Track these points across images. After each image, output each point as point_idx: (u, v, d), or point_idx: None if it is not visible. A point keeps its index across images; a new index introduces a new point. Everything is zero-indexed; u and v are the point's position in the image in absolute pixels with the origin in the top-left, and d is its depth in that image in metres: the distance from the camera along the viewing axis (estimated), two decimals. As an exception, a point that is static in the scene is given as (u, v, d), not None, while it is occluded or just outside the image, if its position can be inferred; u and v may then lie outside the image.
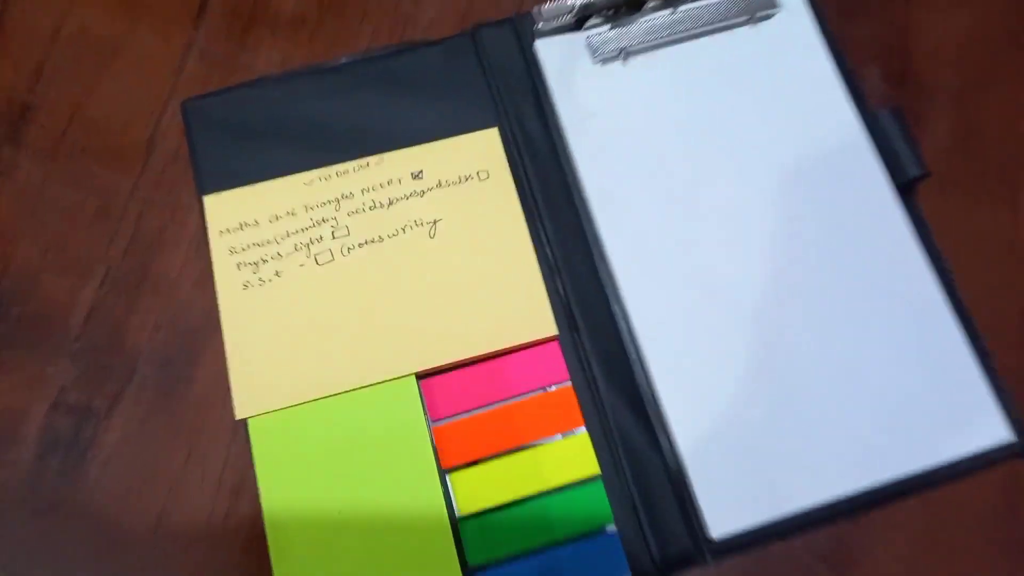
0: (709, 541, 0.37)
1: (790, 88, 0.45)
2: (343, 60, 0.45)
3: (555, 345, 0.41)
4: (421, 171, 0.43)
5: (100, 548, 0.38)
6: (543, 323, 0.40)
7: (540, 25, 0.44)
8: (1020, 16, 0.49)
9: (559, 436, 0.40)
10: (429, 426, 0.39)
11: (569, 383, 0.40)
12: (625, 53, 0.45)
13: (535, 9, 0.44)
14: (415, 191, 0.42)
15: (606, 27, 0.45)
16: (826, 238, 0.42)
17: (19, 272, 0.42)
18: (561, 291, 0.41)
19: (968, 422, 0.40)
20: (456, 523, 0.38)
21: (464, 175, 0.43)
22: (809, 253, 0.42)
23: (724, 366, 0.40)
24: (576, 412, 0.40)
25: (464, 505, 0.38)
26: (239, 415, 0.39)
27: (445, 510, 0.37)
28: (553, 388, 0.40)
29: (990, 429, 0.40)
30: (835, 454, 0.39)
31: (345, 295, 0.40)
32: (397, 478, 0.38)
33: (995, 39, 0.48)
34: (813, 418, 0.39)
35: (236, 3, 0.47)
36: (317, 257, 0.41)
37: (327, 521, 0.37)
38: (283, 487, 0.38)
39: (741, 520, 0.37)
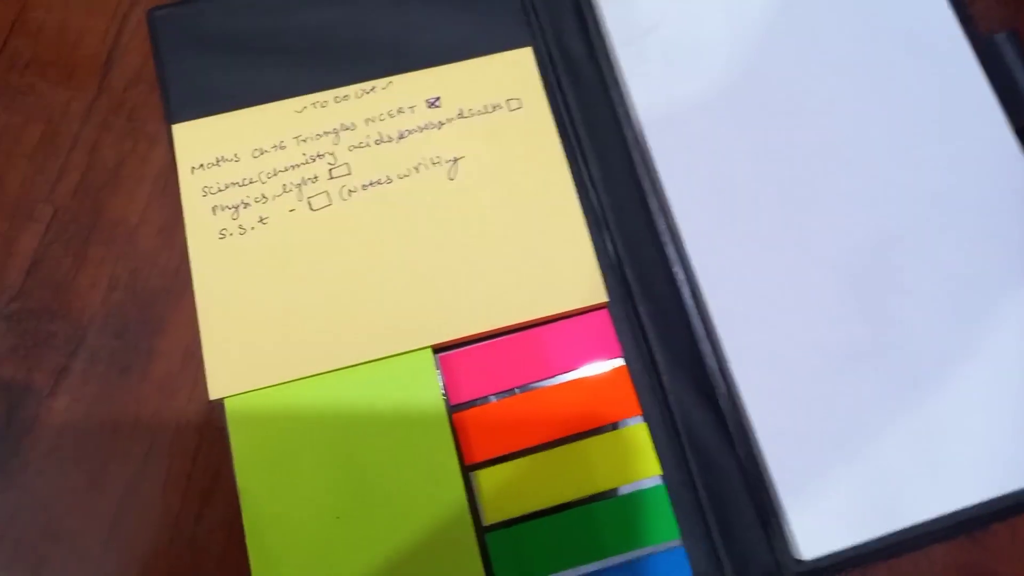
0: (799, 562, 0.32)
1: (888, 6, 0.40)
2: (346, -38, 0.41)
3: (604, 314, 0.37)
4: (439, 98, 0.40)
5: (35, 566, 0.34)
6: (589, 287, 0.37)
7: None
8: None
9: (609, 427, 0.36)
10: (449, 412, 0.35)
11: (622, 361, 0.36)
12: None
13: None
14: (431, 122, 0.39)
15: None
16: (937, 193, 0.37)
17: (-56, 214, 0.38)
18: (611, 248, 0.37)
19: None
20: (483, 534, 0.34)
21: (491, 104, 0.39)
22: (916, 212, 0.37)
23: (817, 349, 0.35)
24: (631, 398, 0.36)
25: (492, 512, 0.34)
26: (213, 395, 0.35)
27: (468, 517, 0.34)
28: (602, 367, 0.36)
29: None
30: (955, 458, 0.34)
31: (345, 248, 0.37)
32: (409, 476, 0.34)
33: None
34: (927, 413, 0.34)
35: None
36: (311, 201, 0.38)
37: (321, 528, 0.33)
38: (267, 485, 0.34)
39: (837, 539, 0.33)
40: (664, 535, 0.34)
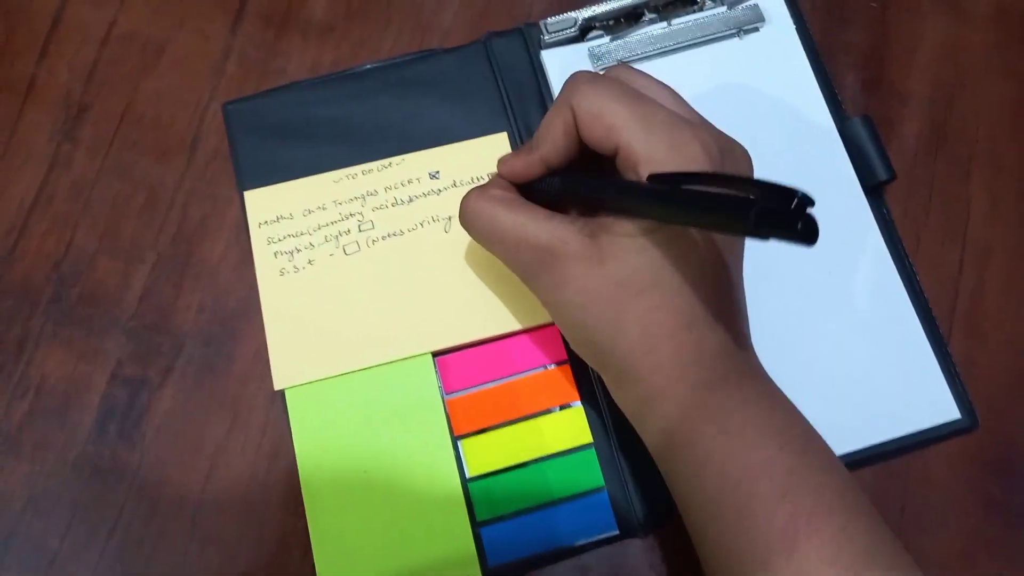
0: None
1: (775, 96, 0.49)
2: (368, 66, 0.49)
3: (555, 330, 0.44)
4: (438, 171, 0.46)
5: (153, 505, 0.43)
6: (544, 311, 0.43)
7: (546, 36, 0.49)
8: (992, 27, 0.53)
9: (557, 409, 0.44)
10: (443, 398, 0.43)
11: (567, 362, 0.44)
12: (623, 63, 0.49)
13: (542, 21, 0.49)
14: (432, 189, 0.46)
15: (606, 39, 0.49)
16: None
17: (77, 256, 0.47)
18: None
19: (922, 401, 0.44)
20: (466, 483, 0.42)
21: (476, 176, 0.47)
22: (787, 248, 0.46)
23: None
24: (572, 388, 0.44)
25: (473, 468, 0.42)
26: (277, 386, 0.43)
27: (457, 472, 0.42)
28: (552, 367, 0.44)
29: (941, 408, 0.44)
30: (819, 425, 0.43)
31: (370, 282, 0.44)
32: (415, 443, 0.42)
33: (966, 50, 0.52)
34: (804, 391, 0.43)
35: (269, 11, 0.51)
36: (345, 248, 0.45)
37: (354, 480, 0.42)
38: (316, 450, 0.42)
39: None
40: (593, 483, 0.42)
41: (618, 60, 0.49)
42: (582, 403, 0.44)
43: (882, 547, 0.32)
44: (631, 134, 0.34)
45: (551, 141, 0.37)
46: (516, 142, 0.48)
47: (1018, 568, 0.44)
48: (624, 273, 0.34)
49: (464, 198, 0.39)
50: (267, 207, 0.46)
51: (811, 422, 0.42)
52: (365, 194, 0.46)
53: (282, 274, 0.45)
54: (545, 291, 0.37)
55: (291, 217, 0.46)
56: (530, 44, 0.50)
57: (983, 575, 0.44)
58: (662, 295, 0.34)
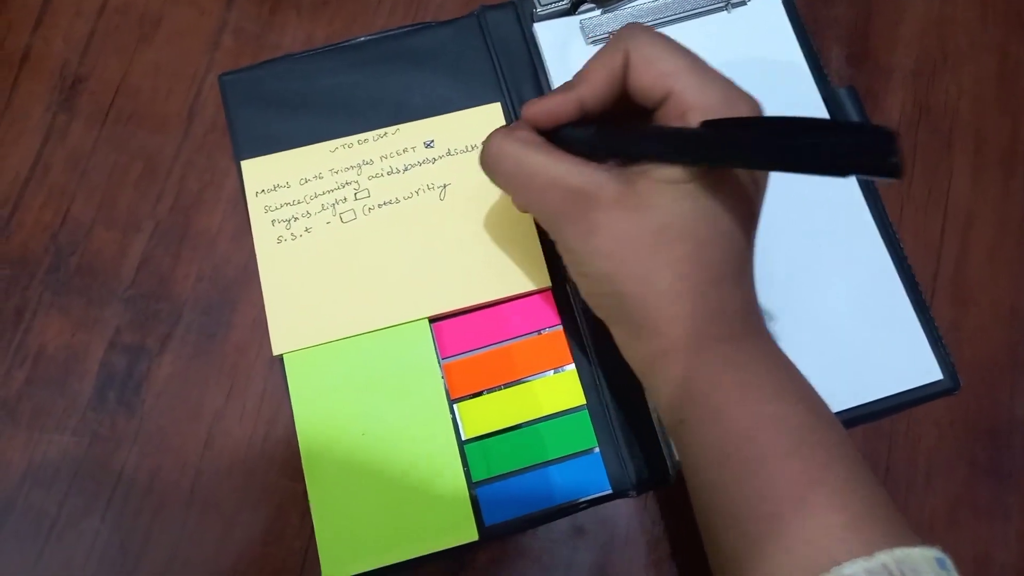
0: (677, 463, 0.42)
1: (761, 69, 0.50)
2: (361, 38, 0.50)
3: (548, 295, 0.45)
4: (432, 140, 0.47)
5: (152, 472, 0.44)
6: (539, 276, 0.45)
7: (539, 9, 0.49)
8: (975, 2, 0.54)
9: (551, 372, 0.45)
10: (439, 362, 0.44)
11: (560, 327, 0.45)
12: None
13: (535, -6, 0.49)
14: (427, 158, 0.47)
15: (597, 12, 0.50)
16: (789, 202, 0.46)
17: (74, 226, 0.47)
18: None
19: (906, 363, 0.45)
20: (462, 445, 0.43)
21: (471, 144, 0.47)
22: (774, 216, 0.46)
23: None
24: (566, 352, 0.45)
25: (469, 430, 0.43)
26: (276, 351, 0.44)
27: (453, 434, 0.43)
28: (546, 331, 0.45)
29: (924, 370, 0.45)
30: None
31: (367, 249, 0.45)
32: (412, 406, 0.43)
33: (949, 24, 0.54)
34: (799, 354, 0.44)
35: (264, -16, 0.51)
36: (342, 216, 0.46)
37: (352, 444, 0.43)
38: (314, 414, 0.43)
39: None
40: (586, 444, 0.43)
41: (608, 33, 0.49)
42: (575, 366, 0.45)
43: (881, 500, 0.33)
44: (687, 81, 0.34)
45: (592, 82, 0.36)
46: (509, 112, 0.49)
47: (1001, 528, 0.45)
48: (662, 220, 0.34)
49: (488, 139, 0.38)
50: (264, 176, 0.46)
51: None
52: (361, 163, 0.47)
53: (280, 242, 0.45)
54: (573, 238, 0.35)
55: (288, 186, 0.46)
56: (523, 17, 0.50)
57: (967, 535, 0.45)
58: (697, 245, 0.34)
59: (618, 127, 0.37)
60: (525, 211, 0.40)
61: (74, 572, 0.42)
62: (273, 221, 0.46)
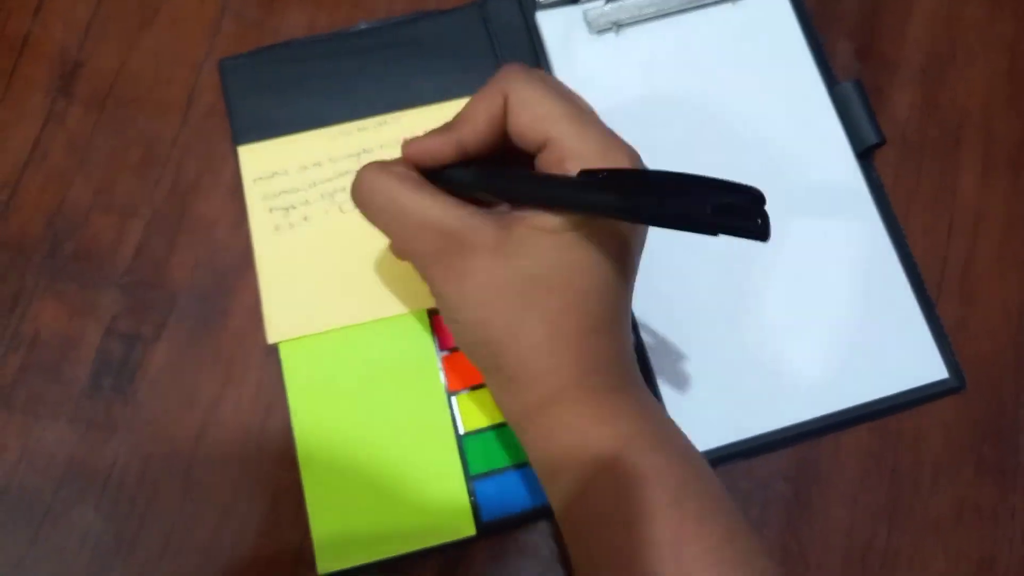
0: None
1: (767, 61, 0.50)
2: (363, 25, 0.49)
3: None
4: None
5: (147, 460, 0.43)
6: None
7: (542, -2, 0.49)
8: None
9: None
10: (438, 355, 0.44)
11: None
12: (618, 26, 0.49)
13: (538, -16, 0.49)
14: None
15: (601, 2, 0.50)
16: (795, 197, 0.47)
17: (71, 211, 0.47)
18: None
19: (911, 361, 0.45)
20: (460, 438, 0.43)
21: None
22: (780, 210, 0.45)
23: (699, 310, 0.45)
24: None
25: (467, 423, 0.43)
26: (271, 340, 0.43)
27: (451, 427, 0.43)
28: None
29: (930, 368, 0.45)
30: (795, 386, 0.44)
31: (365, 238, 0.44)
32: (410, 398, 0.43)
33: (958, 20, 0.53)
34: (776, 355, 0.45)
35: (265, -30, 0.51)
36: (340, 205, 0.45)
37: (348, 434, 0.42)
38: (310, 405, 0.43)
39: (710, 440, 0.43)
40: None
41: (612, 23, 0.49)
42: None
43: (757, 549, 0.32)
44: (564, 128, 0.33)
45: (472, 124, 0.35)
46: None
47: (1007, 528, 0.44)
48: (537, 269, 0.33)
49: (360, 171, 0.36)
50: (262, 163, 0.46)
51: (804, 380, 0.44)
52: (360, 151, 0.46)
53: (277, 230, 0.45)
54: (445, 283, 0.34)
55: (286, 173, 0.46)
56: (525, 6, 0.50)
57: (973, 535, 0.44)
58: (573, 297, 0.33)
59: (498, 170, 0.36)
60: (400, 256, 0.39)
61: (67, 558, 0.42)
62: (271, 209, 0.45)
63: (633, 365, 0.36)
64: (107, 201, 0.47)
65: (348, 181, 0.43)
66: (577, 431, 0.33)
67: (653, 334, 0.45)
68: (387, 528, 0.41)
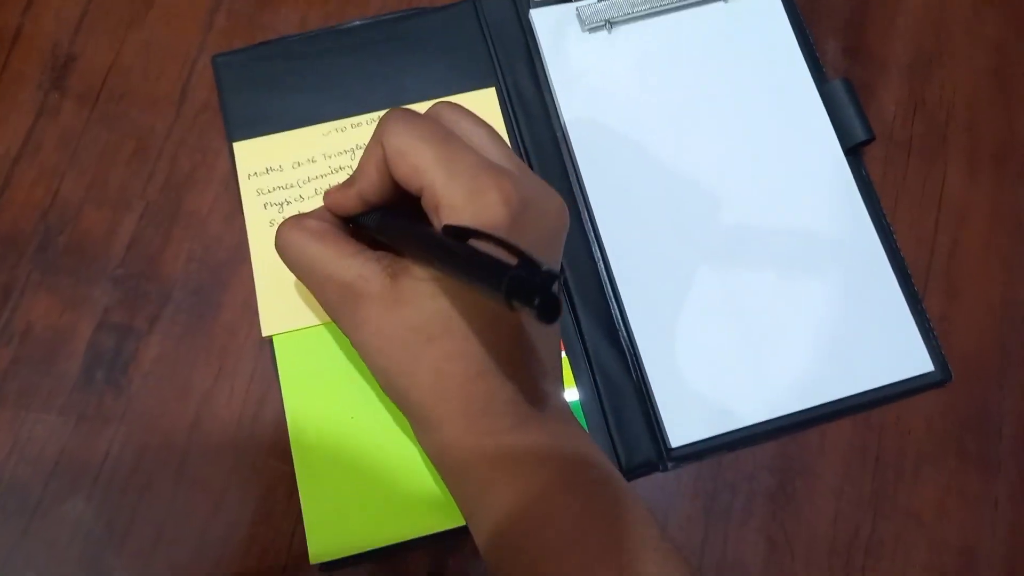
0: (669, 450, 0.43)
1: (758, 58, 0.50)
2: (356, 22, 0.50)
3: None
4: None
5: (140, 452, 0.43)
6: None
7: (536, -4, 0.49)
8: (970, -2, 0.54)
9: None
10: None
11: None
12: (610, 24, 0.50)
13: (531, -19, 0.49)
14: None
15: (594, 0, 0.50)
16: (784, 192, 0.48)
17: (64, 204, 0.47)
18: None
19: (897, 355, 0.46)
20: None
21: None
22: (769, 206, 0.47)
23: (689, 304, 0.45)
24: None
25: None
26: (266, 333, 0.44)
27: None
28: None
29: (915, 361, 0.46)
30: (782, 379, 0.45)
31: None
32: None
33: (945, 19, 0.54)
34: (763, 348, 0.45)
35: (259, -35, 0.51)
36: None
37: (341, 426, 0.42)
38: (303, 397, 0.43)
39: (696, 432, 0.43)
40: None
41: (605, 21, 0.49)
42: (567, 354, 0.45)
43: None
44: (434, 176, 0.33)
45: (367, 176, 0.36)
46: (504, 98, 0.49)
47: (989, 518, 0.45)
48: (418, 318, 0.33)
49: (279, 227, 0.38)
50: (256, 158, 0.46)
51: (791, 373, 0.44)
52: (354, 148, 0.47)
53: (271, 225, 0.45)
54: (347, 330, 0.36)
55: (280, 169, 0.46)
56: (518, 3, 0.50)
57: (955, 525, 0.45)
58: (454, 342, 0.33)
59: (392, 221, 0.36)
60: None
61: (59, 550, 0.42)
62: (265, 204, 0.46)
63: (533, 400, 0.35)
64: (100, 195, 0.47)
65: (342, 177, 0.44)
66: (478, 474, 0.34)
67: (641, 327, 0.45)
68: (380, 518, 0.41)
